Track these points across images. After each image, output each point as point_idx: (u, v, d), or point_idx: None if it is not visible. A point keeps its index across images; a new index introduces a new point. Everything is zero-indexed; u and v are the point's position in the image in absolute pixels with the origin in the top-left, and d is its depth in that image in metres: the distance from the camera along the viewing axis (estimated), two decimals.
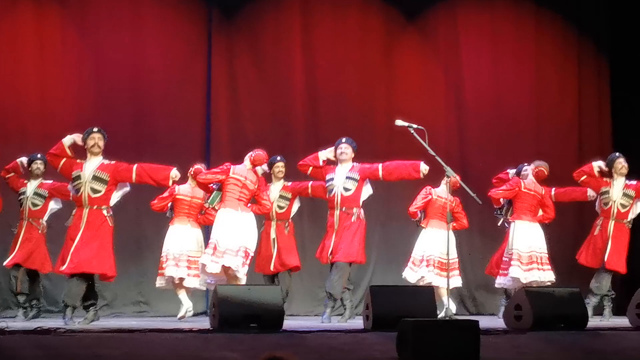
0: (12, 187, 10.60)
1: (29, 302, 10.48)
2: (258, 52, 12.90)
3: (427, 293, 8.32)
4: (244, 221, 9.89)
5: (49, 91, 11.99)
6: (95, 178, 9.01)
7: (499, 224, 11.41)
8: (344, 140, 10.16)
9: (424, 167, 9.86)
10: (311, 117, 12.99)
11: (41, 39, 12.01)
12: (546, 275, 10.95)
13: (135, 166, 9.16)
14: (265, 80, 12.88)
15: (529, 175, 11.13)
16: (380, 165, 10.07)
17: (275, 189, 10.81)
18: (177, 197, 10.58)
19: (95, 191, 9.01)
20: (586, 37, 14.09)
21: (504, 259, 11.05)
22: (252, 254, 9.99)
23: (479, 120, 13.60)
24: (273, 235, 10.71)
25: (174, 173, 9.19)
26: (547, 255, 11.04)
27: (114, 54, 12.27)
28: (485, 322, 8.57)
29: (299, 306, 12.02)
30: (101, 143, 9.11)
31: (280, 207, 10.78)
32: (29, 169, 10.54)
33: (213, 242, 9.80)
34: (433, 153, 9.28)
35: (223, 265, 9.72)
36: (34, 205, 10.47)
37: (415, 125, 9.38)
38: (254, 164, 10.14)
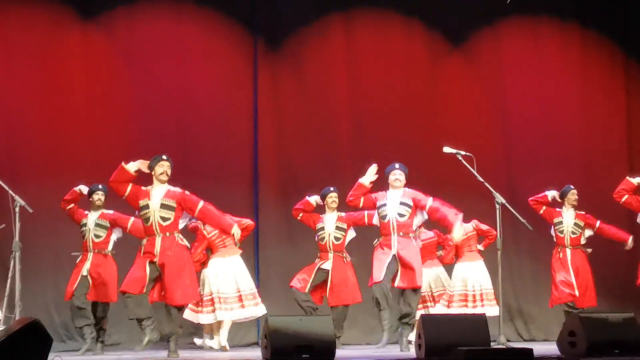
0: (73, 219, 10.57)
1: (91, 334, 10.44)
2: (303, 79, 12.95)
3: (480, 321, 8.22)
4: (232, 266, 10.58)
5: (96, 121, 12.06)
6: (163, 206, 8.97)
7: None
8: (397, 166, 10.08)
9: (457, 233, 9.83)
10: (357, 143, 12.97)
11: (88, 69, 12.11)
12: (489, 311, 11.14)
13: (200, 205, 9.09)
14: (310, 108, 12.91)
15: (570, 199, 11.21)
16: (429, 202, 9.96)
17: (331, 219, 10.85)
18: (210, 237, 10.69)
19: (164, 219, 8.96)
20: (633, 58, 14.00)
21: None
22: (249, 292, 10.59)
23: (526, 144, 13.52)
24: (328, 267, 10.73)
25: (236, 232, 9.18)
26: (490, 291, 11.43)
27: (160, 83, 12.37)
28: (539, 348, 8.49)
29: (350, 335, 11.98)
30: (169, 171, 9.10)
31: (337, 239, 10.82)
32: (90, 199, 10.49)
33: (213, 294, 10.51)
34: (481, 179, 9.24)
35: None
36: (97, 236, 10.43)
37: (463, 152, 9.34)
38: None
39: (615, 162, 13.69)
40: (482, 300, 11.40)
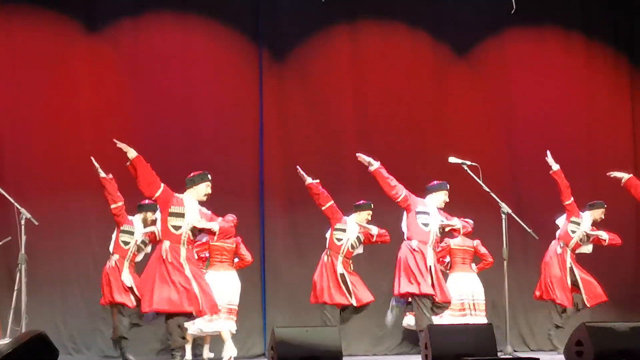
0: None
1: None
2: (309, 90, 12.92)
3: (487, 331, 8.21)
4: (226, 280, 10.74)
5: (102, 133, 11.98)
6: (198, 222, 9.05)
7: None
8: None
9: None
10: (363, 153, 12.95)
11: (95, 81, 12.09)
12: (478, 321, 11.29)
13: (217, 225, 9.16)
14: (316, 118, 12.88)
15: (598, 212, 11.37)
16: None
17: (354, 228, 10.90)
18: (212, 244, 10.79)
19: (194, 234, 9.05)
20: (638, 66, 13.97)
21: None
22: (236, 308, 10.76)
23: (532, 153, 13.45)
24: (341, 270, 10.74)
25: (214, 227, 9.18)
26: (482, 302, 11.60)
27: (166, 95, 12.35)
28: (546, 358, 8.48)
29: (357, 346, 11.96)
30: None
31: (353, 247, 10.89)
32: (143, 214, 10.44)
33: None
34: (487, 189, 9.25)
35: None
36: (139, 249, 10.45)
37: (468, 162, 9.34)
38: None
39: (621, 169, 13.62)
40: (474, 310, 11.50)
